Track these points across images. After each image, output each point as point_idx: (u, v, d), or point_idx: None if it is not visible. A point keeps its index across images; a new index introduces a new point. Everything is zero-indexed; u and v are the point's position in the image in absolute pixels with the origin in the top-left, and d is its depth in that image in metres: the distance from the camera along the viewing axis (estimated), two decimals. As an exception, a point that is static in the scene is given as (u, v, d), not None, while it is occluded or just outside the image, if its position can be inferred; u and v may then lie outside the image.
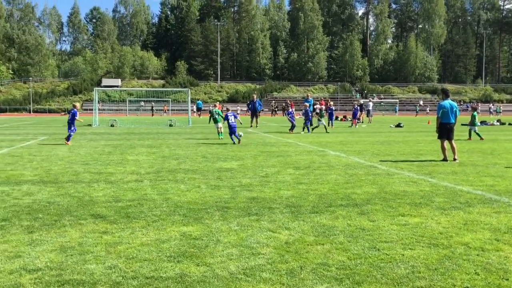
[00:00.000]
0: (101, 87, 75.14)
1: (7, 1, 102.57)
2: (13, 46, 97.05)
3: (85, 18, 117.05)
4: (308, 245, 5.30)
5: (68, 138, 17.53)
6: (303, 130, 24.49)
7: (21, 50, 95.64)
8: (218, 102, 29.70)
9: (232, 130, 17.80)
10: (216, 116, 20.24)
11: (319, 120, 25.36)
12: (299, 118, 30.69)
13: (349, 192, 8.31)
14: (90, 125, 32.61)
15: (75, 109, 18.25)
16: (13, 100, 77.19)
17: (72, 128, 17.66)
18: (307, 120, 24.67)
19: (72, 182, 9.30)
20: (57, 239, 5.53)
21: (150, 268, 4.58)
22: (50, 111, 72.63)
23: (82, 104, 77.31)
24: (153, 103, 69.59)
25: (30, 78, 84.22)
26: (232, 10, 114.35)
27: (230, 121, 17.92)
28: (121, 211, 6.86)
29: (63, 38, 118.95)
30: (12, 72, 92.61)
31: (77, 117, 18.08)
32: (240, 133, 18.12)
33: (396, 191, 8.45)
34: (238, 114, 24.75)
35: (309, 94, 32.71)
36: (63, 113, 65.10)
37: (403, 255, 4.96)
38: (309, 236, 5.65)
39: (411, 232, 5.80)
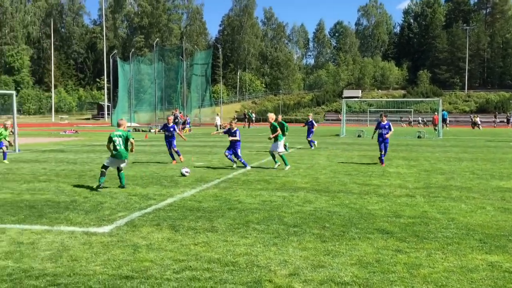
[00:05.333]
0: (342, 98, 77.39)
1: (263, 23, 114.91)
2: (266, 63, 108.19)
3: (329, 33, 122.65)
4: None
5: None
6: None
7: (273, 65, 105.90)
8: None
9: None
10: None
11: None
12: None
13: None
14: (338, 135, 33.57)
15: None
16: (265, 111, 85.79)
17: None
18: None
19: (343, 193, 9.37)
20: (351, 252, 5.45)
21: (469, 302, 4.03)
22: (296, 121, 78.18)
23: (324, 115, 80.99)
24: (387, 114, 68.13)
25: (280, 91, 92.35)
26: (484, 12, 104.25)
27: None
28: (406, 229, 6.48)
29: (309, 53, 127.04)
30: (265, 86, 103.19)
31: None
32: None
33: None
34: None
35: None
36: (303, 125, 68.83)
37: None
38: None
39: None
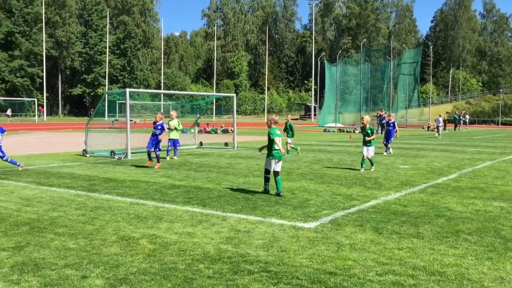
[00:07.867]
0: None
1: (482, 15, 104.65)
2: (484, 59, 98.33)
3: None
4: None
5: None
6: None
7: (492, 62, 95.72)
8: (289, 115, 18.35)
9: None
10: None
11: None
12: None
13: None
14: None
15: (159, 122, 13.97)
16: (481, 112, 78.11)
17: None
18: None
19: None
20: None
21: None
22: (519, 123, 69.18)
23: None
24: None
25: (501, 90, 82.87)
26: None
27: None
28: None
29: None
30: (482, 85, 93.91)
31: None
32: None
33: None
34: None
35: None
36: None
37: None
38: None
39: None
